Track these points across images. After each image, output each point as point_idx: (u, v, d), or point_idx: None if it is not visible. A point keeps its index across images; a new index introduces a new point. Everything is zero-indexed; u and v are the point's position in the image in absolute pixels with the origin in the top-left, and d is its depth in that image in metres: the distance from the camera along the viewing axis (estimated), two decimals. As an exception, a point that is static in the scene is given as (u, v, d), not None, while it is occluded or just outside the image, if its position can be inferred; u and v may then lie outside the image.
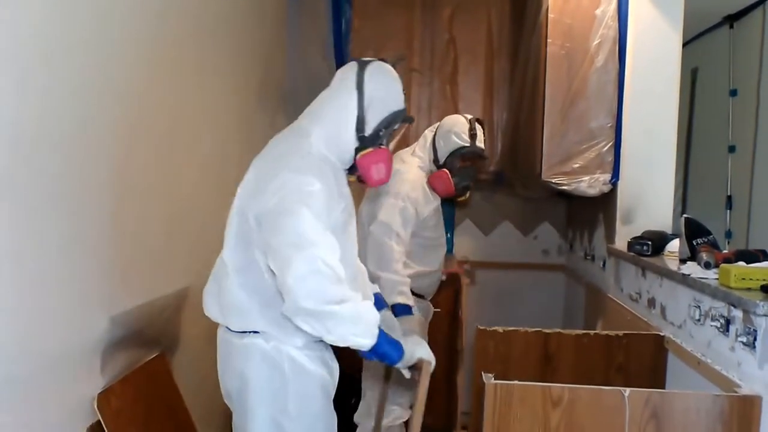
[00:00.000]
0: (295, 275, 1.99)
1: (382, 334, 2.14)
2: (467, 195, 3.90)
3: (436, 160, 3.48)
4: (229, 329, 2.27)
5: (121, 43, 2.18)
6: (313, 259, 2.00)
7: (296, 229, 2.04)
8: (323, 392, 2.29)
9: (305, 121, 2.36)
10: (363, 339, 2.08)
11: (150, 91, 2.40)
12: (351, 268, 2.32)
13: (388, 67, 2.36)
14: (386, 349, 2.17)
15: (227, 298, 2.24)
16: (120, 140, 2.19)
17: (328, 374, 2.31)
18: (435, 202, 3.50)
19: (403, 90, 2.37)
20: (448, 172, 3.43)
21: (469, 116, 3.51)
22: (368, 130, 2.27)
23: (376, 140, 2.28)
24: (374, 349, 2.12)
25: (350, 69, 2.33)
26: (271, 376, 2.21)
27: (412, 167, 3.44)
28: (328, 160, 2.25)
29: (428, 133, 3.57)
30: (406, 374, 2.34)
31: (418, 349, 2.30)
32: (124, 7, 2.18)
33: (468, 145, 3.42)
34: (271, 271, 2.12)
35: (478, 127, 3.47)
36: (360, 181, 2.39)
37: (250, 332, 2.22)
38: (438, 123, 3.60)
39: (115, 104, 2.15)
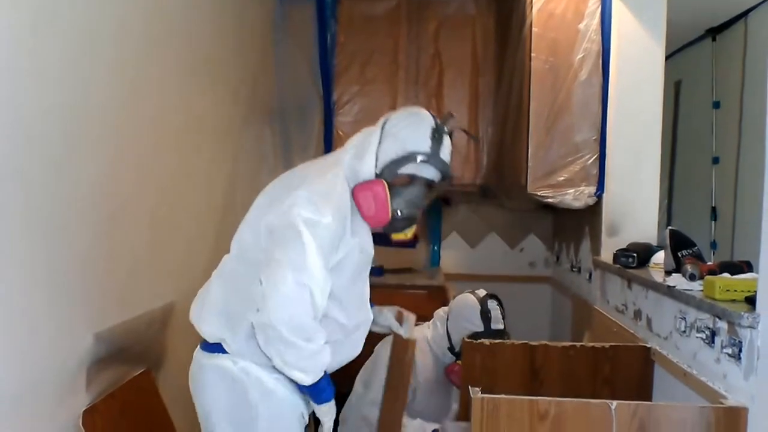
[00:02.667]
0: (282, 294, 1.94)
1: (325, 377, 2.08)
2: None
3: (451, 348, 3.16)
4: (201, 348, 2.22)
5: (109, 62, 2.17)
6: (303, 288, 1.95)
7: (299, 251, 1.97)
8: (297, 419, 2.20)
9: (341, 150, 2.29)
10: (306, 376, 2.02)
11: (137, 107, 2.39)
12: (354, 312, 2.25)
13: (422, 111, 2.23)
14: (320, 387, 2.07)
15: (210, 302, 2.20)
16: (106, 156, 2.18)
17: (302, 400, 2.19)
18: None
19: (439, 141, 2.16)
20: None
21: (482, 293, 3.21)
22: (379, 167, 2.15)
23: (385, 178, 2.14)
24: (310, 386, 2.05)
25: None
26: (237, 402, 2.12)
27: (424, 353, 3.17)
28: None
29: (440, 316, 3.27)
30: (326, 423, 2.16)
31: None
32: (112, 25, 2.18)
33: (482, 331, 3.07)
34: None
35: (491, 304, 3.16)
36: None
37: (218, 352, 2.14)
38: (449, 306, 3.29)
39: (101, 121, 2.14)
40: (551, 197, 3.73)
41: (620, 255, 3.25)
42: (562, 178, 3.71)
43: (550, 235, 5.26)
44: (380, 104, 4.66)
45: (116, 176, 2.27)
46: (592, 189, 3.68)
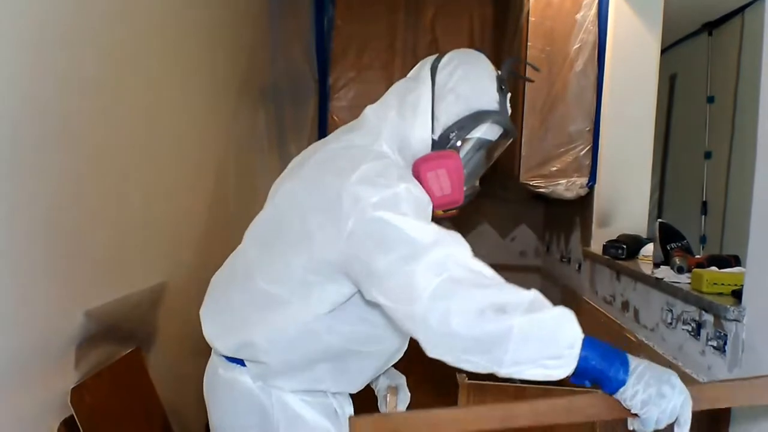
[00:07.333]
0: (425, 295, 1.36)
1: (588, 345, 1.35)
2: None
3: None
4: (220, 353, 1.82)
5: (102, 38, 2.16)
6: (441, 267, 1.39)
7: (400, 241, 1.44)
8: None
9: (373, 115, 1.77)
10: (553, 368, 1.34)
11: (130, 86, 2.39)
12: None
13: (477, 54, 1.79)
14: (597, 364, 1.35)
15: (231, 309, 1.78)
16: (98, 135, 2.18)
17: (332, 425, 1.78)
18: None
19: (505, 92, 1.74)
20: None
21: None
22: (437, 131, 1.68)
23: (446, 146, 1.68)
24: (579, 370, 1.35)
25: (430, 57, 1.79)
26: (255, 426, 1.75)
27: None
28: (408, 172, 1.66)
29: None
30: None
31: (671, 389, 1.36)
32: (105, 2, 2.17)
33: None
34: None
35: None
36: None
37: (237, 363, 1.76)
38: None
39: (93, 99, 2.14)
40: (543, 187, 3.75)
41: (610, 246, 3.27)
42: (554, 168, 3.72)
43: (541, 225, 5.28)
44: (376, 90, 4.55)
45: (109, 155, 2.27)
46: (584, 180, 3.70)
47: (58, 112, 1.94)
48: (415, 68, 1.81)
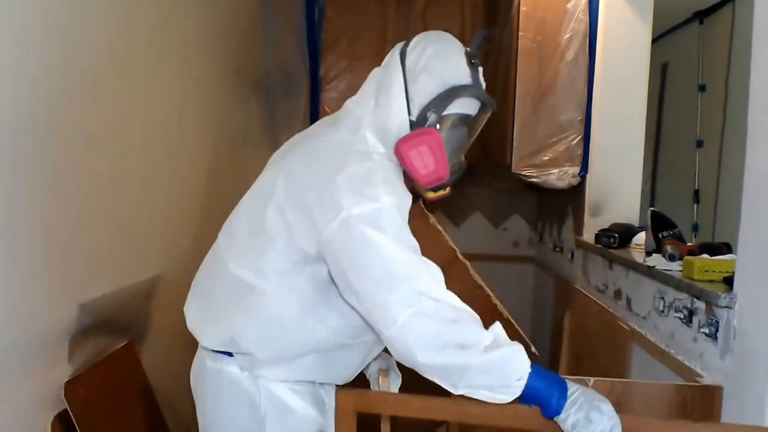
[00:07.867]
0: (396, 326, 1.51)
1: (535, 375, 1.51)
2: None
3: None
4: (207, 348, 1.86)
5: (91, 30, 2.15)
6: (414, 299, 1.51)
7: (377, 263, 1.55)
8: None
9: (354, 106, 1.82)
10: (501, 394, 1.51)
11: (121, 79, 2.38)
12: None
13: (444, 34, 1.80)
14: (540, 393, 1.51)
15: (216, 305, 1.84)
16: (90, 128, 2.17)
17: (321, 414, 1.84)
18: None
19: (476, 66, 1.76)
20: None
21: None
22: (414, 112, 1.71)
23: (424, 125, 1.70)
24: (525, 396, 1.52)
25: (399, 43, 1.82)
26: (243, 415, 1.78)
27: None
28: (392, 159, 1.72)
29: None
30: None
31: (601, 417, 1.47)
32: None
33: None
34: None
35: None
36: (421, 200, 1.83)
37: (224, 354, 1.80)
38: None
39: (85, 91, 2.13)
40: (535, 177, 3.75)
41: (602, 235, 3.28)
42: (546, 158, 3.73)
43: (533, 215, 5.29)
44: (368, 81, 4.63)
45: (103, 149, 2.26)
46: (576, 169, 3.71)
47: (53, 107, 1.94)
48: (388, 55, 1.83)
